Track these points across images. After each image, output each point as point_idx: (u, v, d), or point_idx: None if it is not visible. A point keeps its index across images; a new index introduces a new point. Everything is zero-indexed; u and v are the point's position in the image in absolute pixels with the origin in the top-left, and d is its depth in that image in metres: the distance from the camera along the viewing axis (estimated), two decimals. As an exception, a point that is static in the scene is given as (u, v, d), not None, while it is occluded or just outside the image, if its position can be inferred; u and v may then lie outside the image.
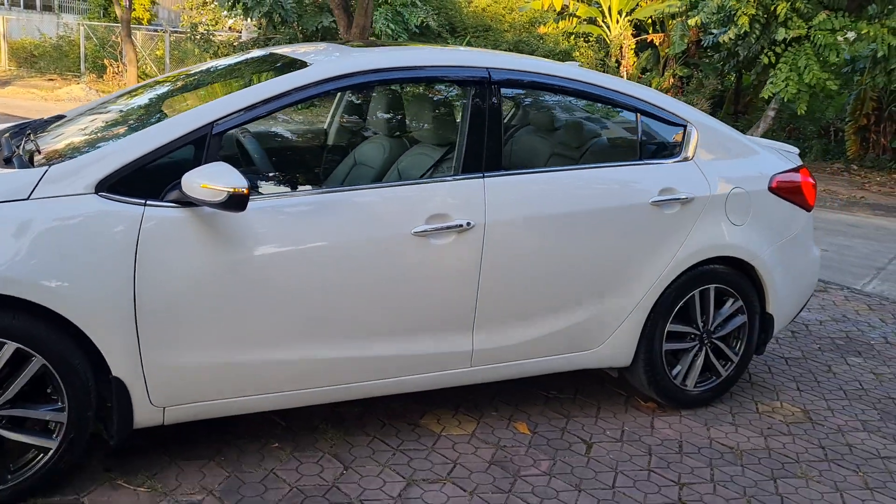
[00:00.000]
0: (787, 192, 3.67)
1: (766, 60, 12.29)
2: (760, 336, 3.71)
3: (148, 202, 2.48)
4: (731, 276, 3.54)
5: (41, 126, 3.35)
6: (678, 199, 3.35)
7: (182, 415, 2.64)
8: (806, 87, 11.79)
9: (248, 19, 21.54)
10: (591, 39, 18.06)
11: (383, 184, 3.08)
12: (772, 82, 12.18)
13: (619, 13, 17.37)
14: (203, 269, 2.53)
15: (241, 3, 18.22)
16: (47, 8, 37.51)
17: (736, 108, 16.87)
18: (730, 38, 12.42)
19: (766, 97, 12.63)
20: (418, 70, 3.15)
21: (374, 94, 3.86)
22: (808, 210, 3.82)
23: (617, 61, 17.46)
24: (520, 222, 3.03)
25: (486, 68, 3.10)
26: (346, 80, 2.90)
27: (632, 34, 17.35)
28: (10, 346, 2.32)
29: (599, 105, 3.74)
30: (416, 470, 2.89)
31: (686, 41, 15.79)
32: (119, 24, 20.93)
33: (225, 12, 24.78)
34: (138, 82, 19.84)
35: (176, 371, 2.56)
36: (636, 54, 17.76)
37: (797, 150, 4.08)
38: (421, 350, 2.96)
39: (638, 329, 3.38)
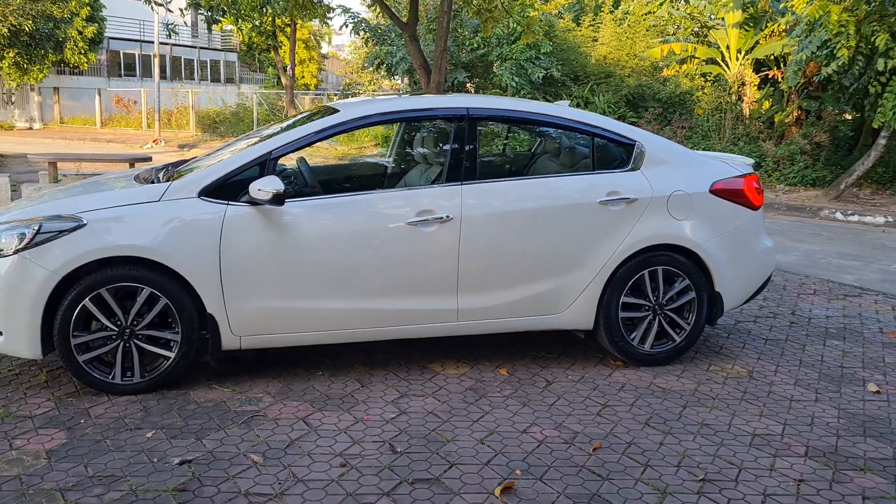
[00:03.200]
0: (726, 194, 4.60)
1: (873, 91, 12.52)
2: (711, 310, 4.62)
3: (229, 203, 3.92)
4: (678, 260, 4.51)
5: (178, 165, 4.96)
6: (623, 198, 4.40)
7: (251, 342, 4.03)
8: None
9: (394, 78, 23.80)
10: (709, 78, 18.60)
11: (388, 189, 4.39)
12: (879, 112, 12.38)
13: (739, 51, 17.86)
14: (261, 244, 3.93)
15: (385, 65, 20.41)
16: (230, 80, 42.41)
17: (873, 140, 16.74)
18: (834, 71, 12.77)
19: (877, 126, 12.78)
20: (416, 111, 4.49)
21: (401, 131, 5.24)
22: (754, 209, 4.70)
23: (738, 97, 17.90)
24: (488, 216, 4.22)
25: (466, 108, 4.36)
26: (361, 121, 4.26)
27: (752, 71, 17.75)
28: (146, 291, 3.82)
29: (561, 131, 4.86)
30: (411, 390, 4.11)
31: (799, 76, 16.03)
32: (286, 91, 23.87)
33: (378, 72, 27.43)
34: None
35: (246, 311, 3.95)
36: (759, 89, 18.09)
37: (752, 161, 4.97)
38: (419, 307, 4.19)
39: (595, 299, 4.43)
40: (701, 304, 4.58)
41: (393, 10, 11.47)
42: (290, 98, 22.96)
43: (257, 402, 3.88)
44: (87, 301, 3.76)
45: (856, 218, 11.93)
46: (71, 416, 3.65)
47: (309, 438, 3.47)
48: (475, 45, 19.25)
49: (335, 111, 4.36)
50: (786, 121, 17.08)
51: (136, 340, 3.87)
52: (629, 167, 4.54)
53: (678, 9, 20.51)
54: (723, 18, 18.05)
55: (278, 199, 3.84)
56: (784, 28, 17.01)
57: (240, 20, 17.54)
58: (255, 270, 3.94)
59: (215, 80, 41.80)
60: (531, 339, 4.99)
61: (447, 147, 4.34)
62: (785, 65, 17.79)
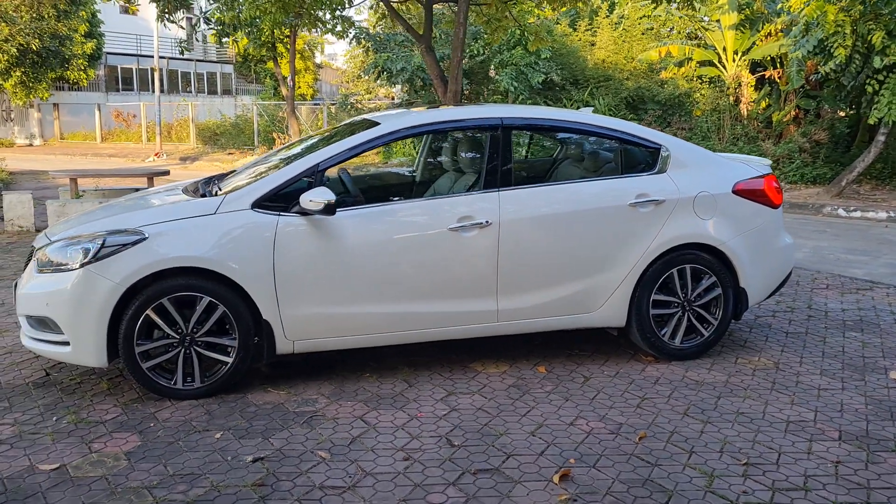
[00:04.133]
0: (748, 194, 4.82)
1: (870, 90, 12.77)
2: (736, 306, 4.83)
3: (281, 214, 4.12)
4: (704, 259, 4.72)
5: (221, 177, 5.15)
6: (651, 200, 4.61)
7: (304, 346, 4.22)
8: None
9: (394, 86, 24.03)
10: (705, 80, 18.87)
11: (429, 197, 4.58)
12: (876, 108, 12.64)
13: (735, 53, 18.14)
14: (312, 252, 4.12)
15: (385, 73, 20.62)
16: (226, 92, 42.62)
17: (871, 136, 17.00)
18: (831, 69, 13.02)
19: (873, 122, 13.03)
20: (452, 122, 4.70)
21: (432, 141, 5.43)
22: (774, 207, 4.92)
23: (736, 99, 18.17)
24: (525, 220, 4.42)
25: (500, 118, 4.57)
26: (403, 132, 4.47)
27: (749, 72, 18.03)
28: (206, 300, 4.00)
29: (591, 137, 5.08)
30: (457, 388, 4.30)
31: (803, 75, 16.29)
32: (285, 102, 24.05)
33: (377, 81, 27.66)
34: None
35: (299, 317, 4.14)
36: (756, 90, 18.36)
37: (769, 162, 5.18)
38: (462, 309, 4.39)
39: (627, 297, 4.63)
40: (727, 299, 4.78)
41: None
42: (292, 109, 23.14)
43: (313, 403, 4.07)
44: (149, 311, 3.95)
45: (858, 214, 12.17)
46: (140, 421, 3.83)
47: (369, 435, 3.66)
48: (475, 52, 19.50)
49: (376, 123, 4.56)
50: (784, 120, 17.34)
51: (196, 347, 4.05)
52: (655, 170, 4.75)
53: (671, 12, 20.79)
54: (718, 20, 18.33)
55: (330, 210, 4.03)
56: (780, 28, 17.28)
57: (239, 31, 17.71)
58: (306, 277, 4.13)
59: (212, 92, 42.03)
60: (565, 337, 5.19)
61: (483, 155, 4.54)
62: (781, 65, 18.08)
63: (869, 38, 12.42)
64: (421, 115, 4.76)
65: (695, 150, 4.92)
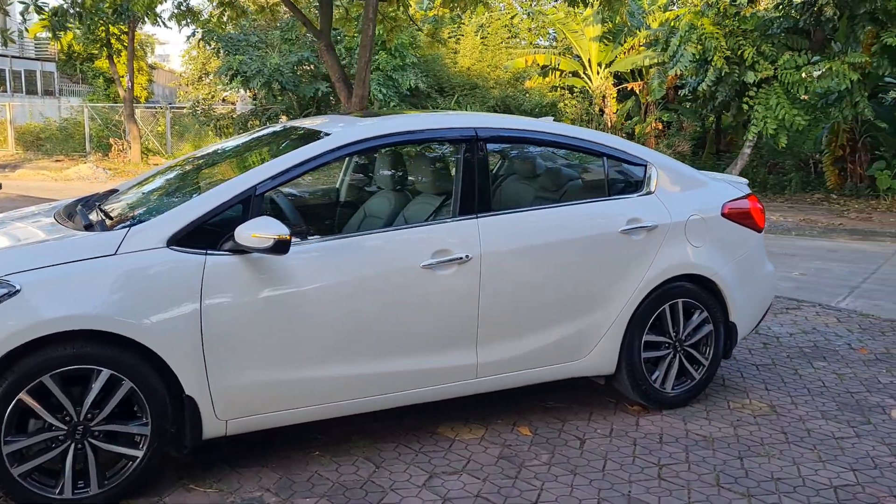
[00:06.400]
0: (737, 216, 4.28)
1: (745, 107, 13.03)
2: (726, 342, 4.28)
3: (209, 252, 3.08)
4: (696, 291, 4.13)
5: (101, 199, 3.97)
6: (643, 226, 3.96)
7: (240, 426, 3.20)
8: (781, 123, 12.51)
9: (245, 91, 22.49)
10: (574, 90, 18.96)
11: (396, 227, 3.67)
12: (753, 123, 12.92)
13: (599, 65, 18.33)
14: (253, 302, 3.12)
15: (240, 76, 19.16)
16: (48, 93, 38.77)
17: (718, 148, 17.67)
18: (707, 86, 13.18)
19: (751, 137, 13.32)
20: (418, 133, 3.80)
21: (378, 155, 4.49)
22: (759, 231, 4.42)
23: (600, 110, 18.35)
24: (509, 253, 3.63)
25: (473, 128, 3.74)
26: (360, 144, 3.55)
27: (613, 84, 18.26)
28: (105, 373, 2.89)
29: (572, 152, 4.37)
30: (437, 466, 3.43)
31: (664, 87, 16.64)
32: (121, 104, 21.88)
33: (220, 86, 25.87)
34: (142, 158, 20.71)
35: (235, 388, 3.12)
36: (618, 102, 18.65)
37: (746, 181, 4.70)
38: (435, 364, 3.52)
39: (618, 339, 3.95)
40: (718, 336, 4.23)
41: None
42: (130, 112, 20.99)
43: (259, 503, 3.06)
44: (22, 394, 2.79)
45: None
46: (13, 556, 2.67)
47: (352, 553, 2.73)
48: (338, 55, 18.49)
49: (316, 132, 3.61)
50: (646, 132, 17.68)
51: (91, 439, 2.92)
52: (643, 191, 4.11)
53: (534, 21, 20.82)
54: (583, 31, 18.48)
55: (282, 247, 3.03)
56: (642, 42, 17.61)
57: (76, 22, 15.66)
58: (245, 336, 3.11)
59: (31, 92, 37.91)
60: (533, 386, 4.42)
61: (457, 174, 3.68)
62: (642, 78, 18.47)
63: (740, 53, 12.70)
64: (379, 125, 3.82)
65: (679, 166, 4.34)
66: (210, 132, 22.54)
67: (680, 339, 4.12)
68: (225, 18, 10.92)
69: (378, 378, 3.41)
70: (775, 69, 12.50)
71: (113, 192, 4.16)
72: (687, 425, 3.97)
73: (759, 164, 15.76)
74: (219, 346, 3.06)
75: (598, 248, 3.85)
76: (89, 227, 3.28)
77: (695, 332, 4.16)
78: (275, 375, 3.18)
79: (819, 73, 12.70)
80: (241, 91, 23.92)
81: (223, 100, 28.52)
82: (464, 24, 21.18)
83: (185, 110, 24.11)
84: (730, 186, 4.45)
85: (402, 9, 9.79)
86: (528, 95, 19.04)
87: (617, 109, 18.19)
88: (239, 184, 3.22)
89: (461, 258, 3.49)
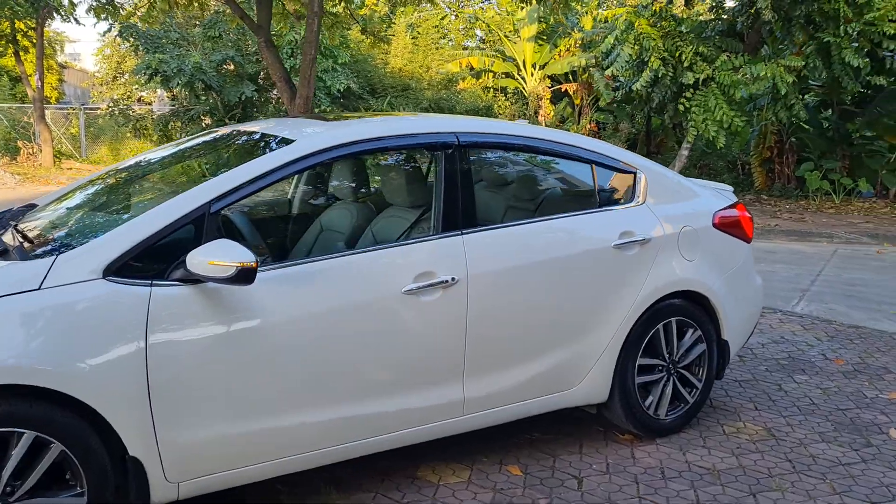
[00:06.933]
0: (728, 226, 4.00)
1: (681, 108, 12.96)
2: (719, 361, 3.98)
3: (154, 283, 2.56)
4: (689, 309, 3.82)
5: (16, 216, 3.38)
6: (636, 240, 3.62)
7: (196, 488, 2.69)
8: (719, 125, 12.50)
9: (165, 91, 21.42)
10: (508, 92, 18.74)
11: (370, 248, 3.20)
12: (692, 125, 12.86)
13: (534, 66, 18.16)
14: (208, 342, 2.62)
15: (159, 75, 18.15)
16: (-53, 91, 36.33)
17: (648, 150, 17.74)
18: (642, 86, 13.08)
19: (691, 139, 13.27)
20: (398, 139, 3.35)
21: (336, 164, 4.01)
22: (748, 242, 4.15)
23: (535, 112, 18.18)
24: (500, 274, 3.22)
25: (454, 132, 3.32)
26: (333, 152, 3.07)
27: (548, 86, 18.12)
28: (30, 436, 2.35)
29: (557, 159, 3.98)
30: (424, 520, 3.00)
31: (611, 90, 16.51)
32: (30, 105, 20.54)
33: (137, 86, 24.64)
34: (55, 162, 19.46)
35: (189, 445, 2.62)
36: (552, 104, 18.53)
37: (731, 189, 4.43)
38: (418, 403, 3.09)
39: (612, 364, 3.59)
40: (711, 355, 3.93)
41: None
42: (41, 113, 19.64)
43: (222, 583, 2.56)
44: (-79, 468, 2.23)
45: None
46: None
47: None
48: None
49: (271, 137, 3.12)
50: (581, 133, 17.59)
51: (12, 517, 2.38)
52: (633, 201, 3.77)
53: (464, 23, 20.54)
54: (517, 31, 18.27)
55: (246, 276, 2.54)
56: (577, 44, 17.52)
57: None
58: (201, 382, 2.61)
59: (-73, 91, 35.48)
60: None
61: (438, 185, 3.25)
62: (576, 79, 18.38)
63: (678, 55, 12.65)
64: (350, 129, 3.33)
65: (667, 173, 4.02)
66: (129, 134, 21.39)
67: (674, 360, 3.80)
68: (156, 11, 10.11)
69: (356, 422, 2.95)
70: (713, 70, 12.49)
71: (31, 206, 3.57)
72: (686, 456, 3.65)
73: (689, 164, 15.83)
74: (168, 394, 2.55)
75: (592, 265, 3.49)
76: (4, 253, 2.71)
77: (688, 352, 3.85)
78: (236, 427, 2.69)
79: (755, 75, 12.76)
80: (159, 91, 22.79)
81: (139, 100, 27.19)
82: (394, 23, 20.72)
83: (100, 111, 22.83)
84: (718, 194, 4.16)
85: (342, 4, 9.26)
86: (461, 97, 18.71)
87: (552, 111, 18.05)
88: (189, 200, 2.71)
89: (446, 281, 3.06)
